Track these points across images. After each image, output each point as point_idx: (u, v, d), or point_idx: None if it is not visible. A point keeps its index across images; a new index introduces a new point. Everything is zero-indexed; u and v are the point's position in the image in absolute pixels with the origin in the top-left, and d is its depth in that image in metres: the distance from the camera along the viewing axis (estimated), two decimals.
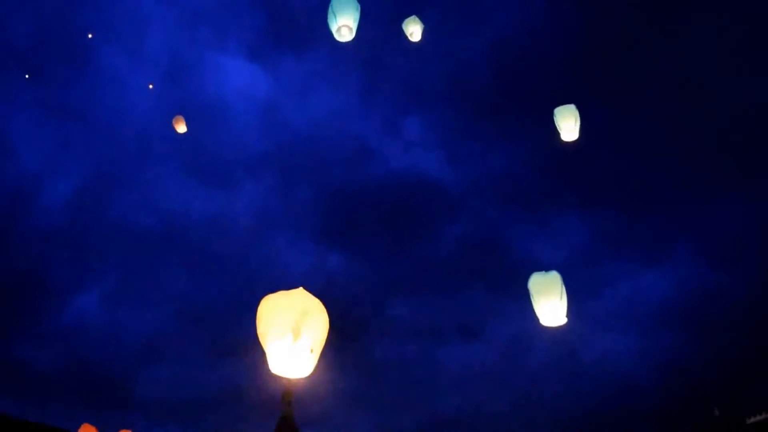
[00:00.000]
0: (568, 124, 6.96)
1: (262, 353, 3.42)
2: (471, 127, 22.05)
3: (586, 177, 20.36)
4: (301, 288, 3.42)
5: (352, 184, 22.65)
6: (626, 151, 20.06)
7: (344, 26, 6.12)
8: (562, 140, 6.93)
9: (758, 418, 15.06)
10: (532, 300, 5.32)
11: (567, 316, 5.25)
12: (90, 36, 21.09)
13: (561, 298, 5.28)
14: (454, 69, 21.84)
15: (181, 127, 12.70)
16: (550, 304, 5.27)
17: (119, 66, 22.49)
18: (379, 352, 22.09)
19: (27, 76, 20.59)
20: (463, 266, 19.92)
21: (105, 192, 22.53)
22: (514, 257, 20.49)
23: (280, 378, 3.43)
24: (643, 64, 18.89)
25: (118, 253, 21.83)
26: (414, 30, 7.92)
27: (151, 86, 21.79)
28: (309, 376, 3.43)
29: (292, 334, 3.31)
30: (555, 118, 7.01)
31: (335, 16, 6.12)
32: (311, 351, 3.37)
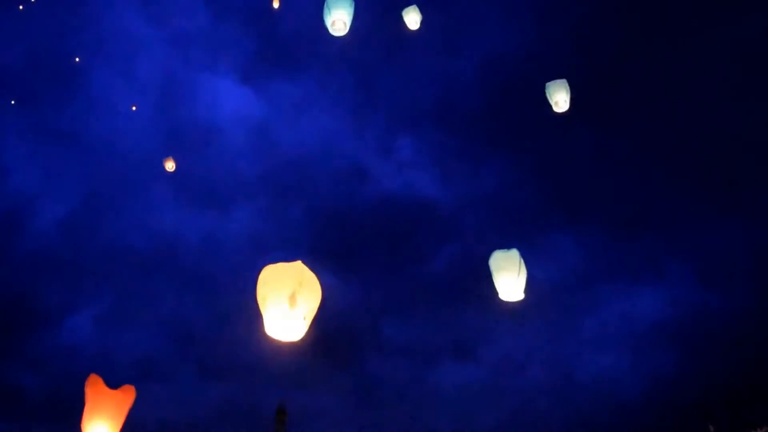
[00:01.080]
0: (559, 96, 7.30)
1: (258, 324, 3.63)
2: (463, 147, 22.15)
3: (579, 197, 20.43)
4: (299, 261, 3.70)
5: (345, 206, 22.69)
6: (618, 172, 20.17)
7: (338, 20, 6.35)
8: (554, 112, 7.36)
9: None
10: (493, 276, 5.53)
11: (524, 291, 5.48)
12: (77, 60, 21.19)
13: (519, 274, 5.49)
14: (445, 90, 21.99)
15: (170, 166, 13.27)
16: (508, 279, 5.49)
17: (111, 89, 22.53)
18: (372, 372, 22.00)
19: (12, 102, 20.64)
20: (456, 286, 19.91)
21: (97, 215, 22.47)
22: None
23: (274, 341, 3.64)
24: (636, 84, 19.11)
25: (110, 275, 21.74)
26: (413, 19, 8.07)
27: (134, 108, 21.88)
28: (299, 341, 3.67)
29: (289, 301, 3.58)
30: (547, 92, 7.37)
31: (330, 11, 6.36)
32: (304, 318, 3.63)
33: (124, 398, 4.15)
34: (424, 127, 23.09)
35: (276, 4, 16.20)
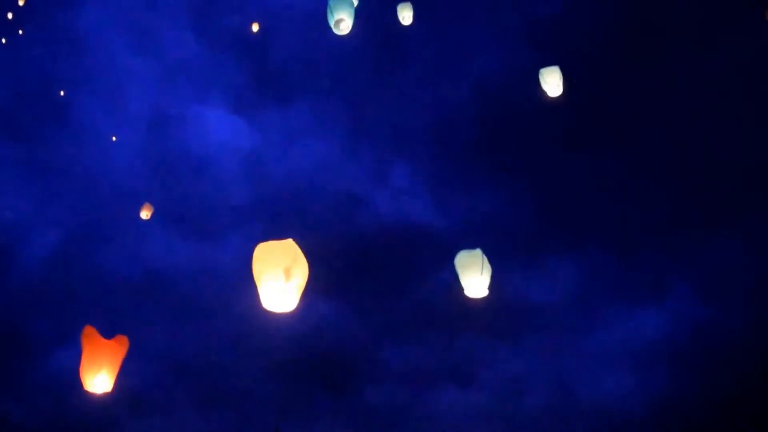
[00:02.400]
0: (552, 81, 7.79)
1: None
2: (458, 172, 22.06)
3: (577, 218, 20.35)
4: (290, 239, 4.12)
5: (340, 233, 22.46)
6: (616, 191, 20.15)
7: (341, 20, 6.87)
8: (546, 97, 7.85)
9: None
10: (459, 274, 6.11)
11: (488, 289, 6.06)
12: (62, 93, 21.24)
13: (482, 272, 6.04)
14: (439, 115, 21.95)
15: (145, 214, 13.33)
16: (473, 277, 6.07)
17: (100, 121, 22.46)
18: (370, 398, 21.67)
19: None
20: (455, 310, 19.66)
21: (87, 246, 22.20)
22: (505, 301, 20.24)
23: (271, 314, 4.12)
24: (633, 104, 19.21)
25: (101, 306, 21.44)
26: (406, 15, 8.35)
27: (114, 138, 21.85)
28: (292, 312, 4.14)
29: (284, 274, 4.01)
30: (540, 77, 7.88)
31: (332, 12, 6.90)
32: (296, 290, 4.11)
33: (119, 347, 4.71)
34: (418, 152, 23.02)
35: (255, 28, 16.17)
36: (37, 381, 20.98)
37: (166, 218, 21.88)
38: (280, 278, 3.92)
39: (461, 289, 6.07)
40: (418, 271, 22.15)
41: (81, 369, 4.57)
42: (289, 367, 19.59)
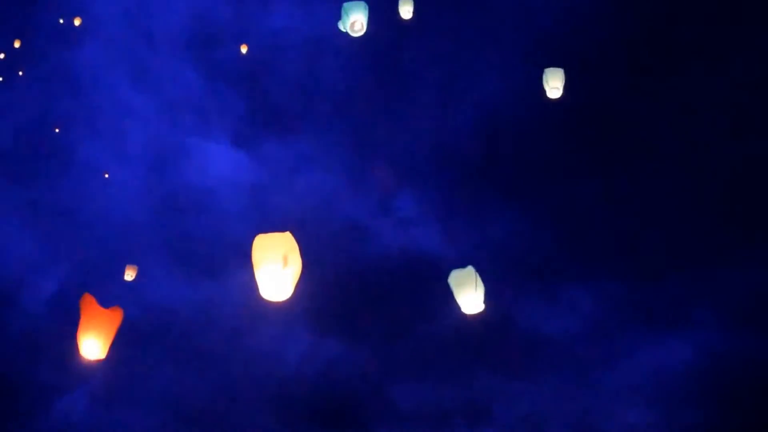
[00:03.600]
0: (555, 83, 8.01)
1: None
2: (466, 199, 21.65)
3: (593, 244, 19.83)
4: (288, 232, 4.45)
5: (346, 267, 22.00)
6: (633, 215, 19.68)
7: (357, 21, 7.37)
8: (547, 97, 8.02)
9: None
10: (453, 293, 6.53)
11: (483, 303, 6.35)
12: (57, 130, 21.20)
13: (476, 288, 6.41)
14: (444, 141, 21.66)
15: (130, 275, 13.47)
16: (467, 294, 6.44)
17: (100, 159, 22.33)
18: None
19: None
20: (467, 345, 19.13)
21: (89, 288, 21.78)
22: (520, 334, 19.66)
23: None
24: (646, 123, 18.90)
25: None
26: (406, 9, 8.60)
27: (106, 175, 21.65)
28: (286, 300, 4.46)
29: (282, 262, 4.32)
30: (544, 77, 8.11)
31: (348, 15, 7.41)
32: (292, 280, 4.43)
33: (114, 316, 4.97)
34: (424, 180, 22.68)
35: (244, 50, 15.99)
36: (39, 428, 20.56)
37: (169, 257, 21.57)
38: (277, 266, 4.25)
39: (459, 308, 6.42)
40: (427, 304, 21.61)
41: (78, 335, 4.85)
42: (295, 408, 19.10)
